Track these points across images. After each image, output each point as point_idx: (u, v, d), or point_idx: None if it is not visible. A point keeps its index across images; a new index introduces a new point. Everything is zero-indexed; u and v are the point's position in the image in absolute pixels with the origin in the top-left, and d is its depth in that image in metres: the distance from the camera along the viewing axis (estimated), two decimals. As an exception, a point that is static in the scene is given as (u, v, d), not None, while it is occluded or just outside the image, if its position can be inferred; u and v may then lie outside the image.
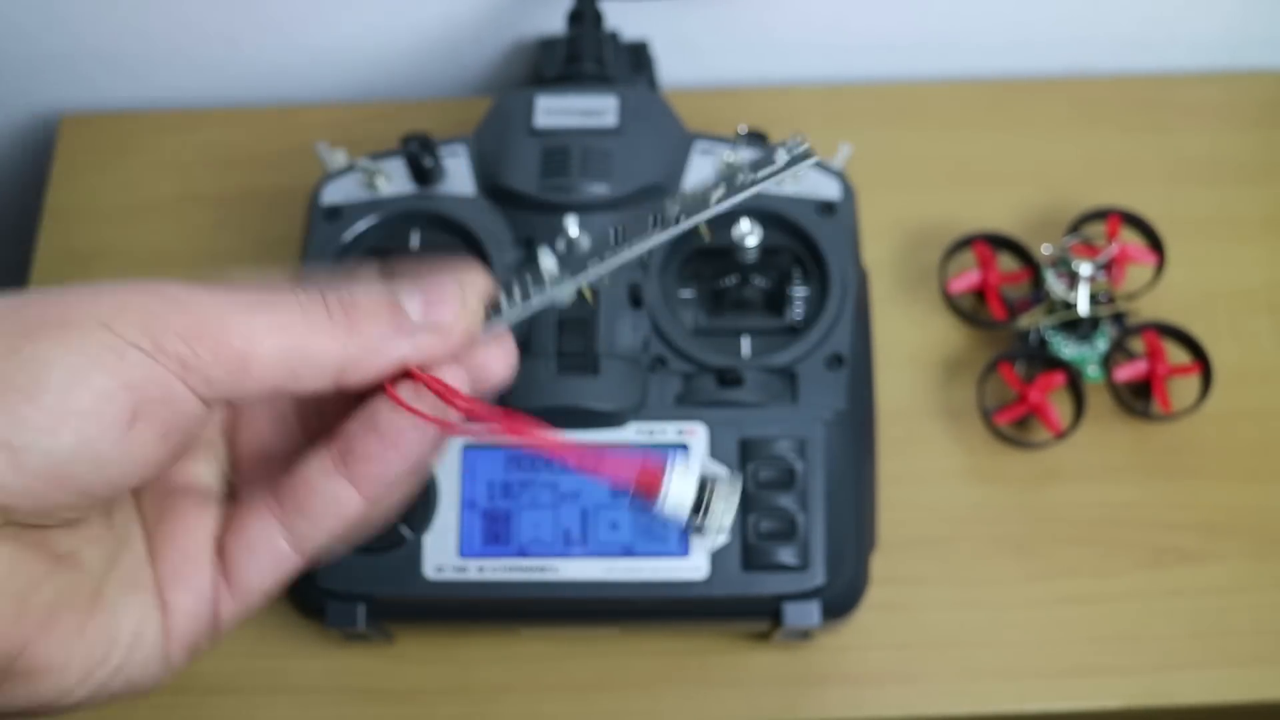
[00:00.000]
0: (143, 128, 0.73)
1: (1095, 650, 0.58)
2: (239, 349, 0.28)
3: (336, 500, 0.30)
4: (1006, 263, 0.65)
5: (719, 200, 0.31)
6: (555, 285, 0.32)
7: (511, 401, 0.52)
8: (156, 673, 0.30)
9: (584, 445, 0.31)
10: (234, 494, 0.33)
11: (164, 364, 0.27)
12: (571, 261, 0.32)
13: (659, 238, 0.31)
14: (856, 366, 0.54)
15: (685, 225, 0.31)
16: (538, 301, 0.32)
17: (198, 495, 0.32)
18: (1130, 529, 0.61)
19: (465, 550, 0.52)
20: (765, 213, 0.55)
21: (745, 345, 0.55)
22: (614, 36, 0.64)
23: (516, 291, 0.32)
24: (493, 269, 0.54)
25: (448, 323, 0.30)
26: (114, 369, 0.27)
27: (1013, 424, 0.62)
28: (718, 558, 0.51)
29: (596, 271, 0.32)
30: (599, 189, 0.55)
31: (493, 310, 0.32)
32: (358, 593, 0.52)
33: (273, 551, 0.31)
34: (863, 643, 0.58)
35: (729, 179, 0.31)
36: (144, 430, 0.27)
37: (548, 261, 0.32)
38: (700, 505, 0.31)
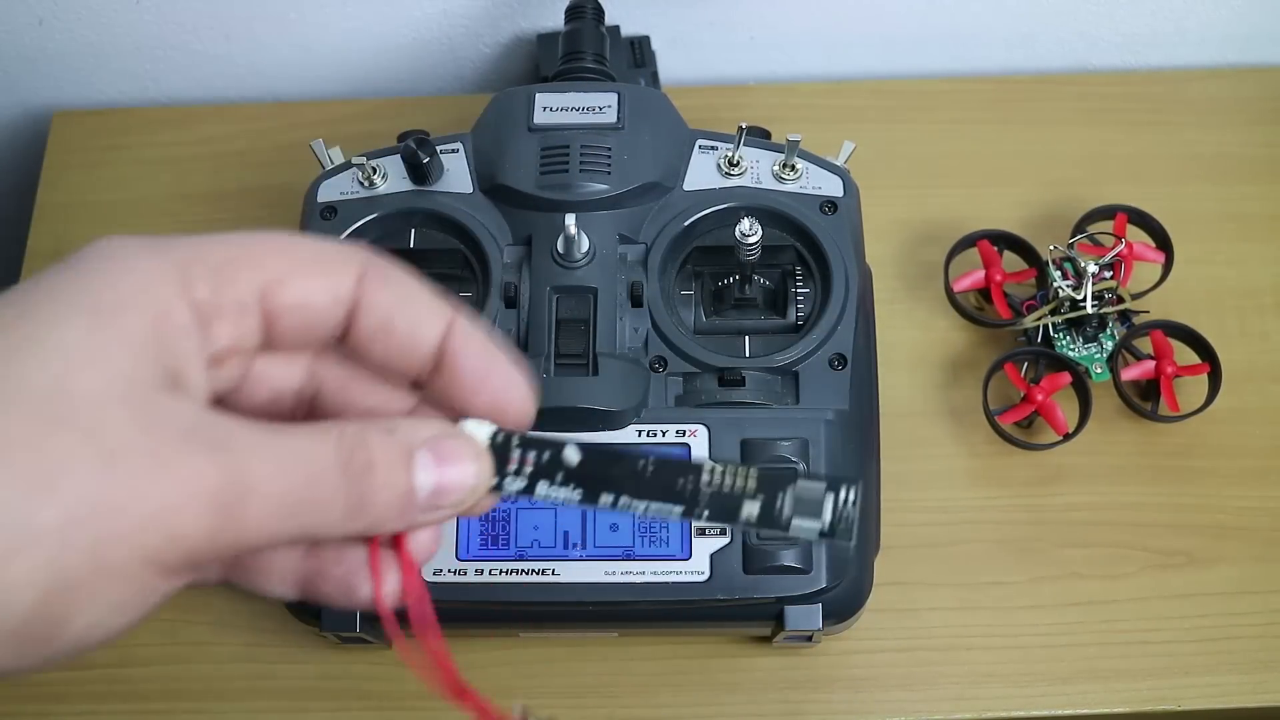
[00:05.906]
0: (136, 124, 0.72)
1: (1101, 654, 0.58)
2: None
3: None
4: (1011, 261, 0.64)
5: (747, 523, 0.30)
6: (561, 489, 0.30)
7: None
8: None
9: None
10: None
11: None
12: (588, 477, 0.30)
13: (674, 512, 0.30)
14: (859, 366, 0.54)
15: (707, 524, 0.31)
16: (539, 495, 0.30)
17: None
18: (1137, 531, 0.60)
19: (463, 553, 0.51)
20: (767, 210, 0.55)
21: (746, 345, 0.54)
22: (614, 31, 0.64)
23: (524, 465, 0.30)
24: (490, 268, 0.54)
25: (452, 503, 0.30)
26: None
27: (1018, 425, 0.61)
28: (719, 560, 0.50)
29: (605, 504, 0.30)
30: (598, 186, 0.54)
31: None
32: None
33: None
34: (866, 646, 0.58)
35: (767, 508, 0.30)
36: None
37: (570, 454, 0.30)
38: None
